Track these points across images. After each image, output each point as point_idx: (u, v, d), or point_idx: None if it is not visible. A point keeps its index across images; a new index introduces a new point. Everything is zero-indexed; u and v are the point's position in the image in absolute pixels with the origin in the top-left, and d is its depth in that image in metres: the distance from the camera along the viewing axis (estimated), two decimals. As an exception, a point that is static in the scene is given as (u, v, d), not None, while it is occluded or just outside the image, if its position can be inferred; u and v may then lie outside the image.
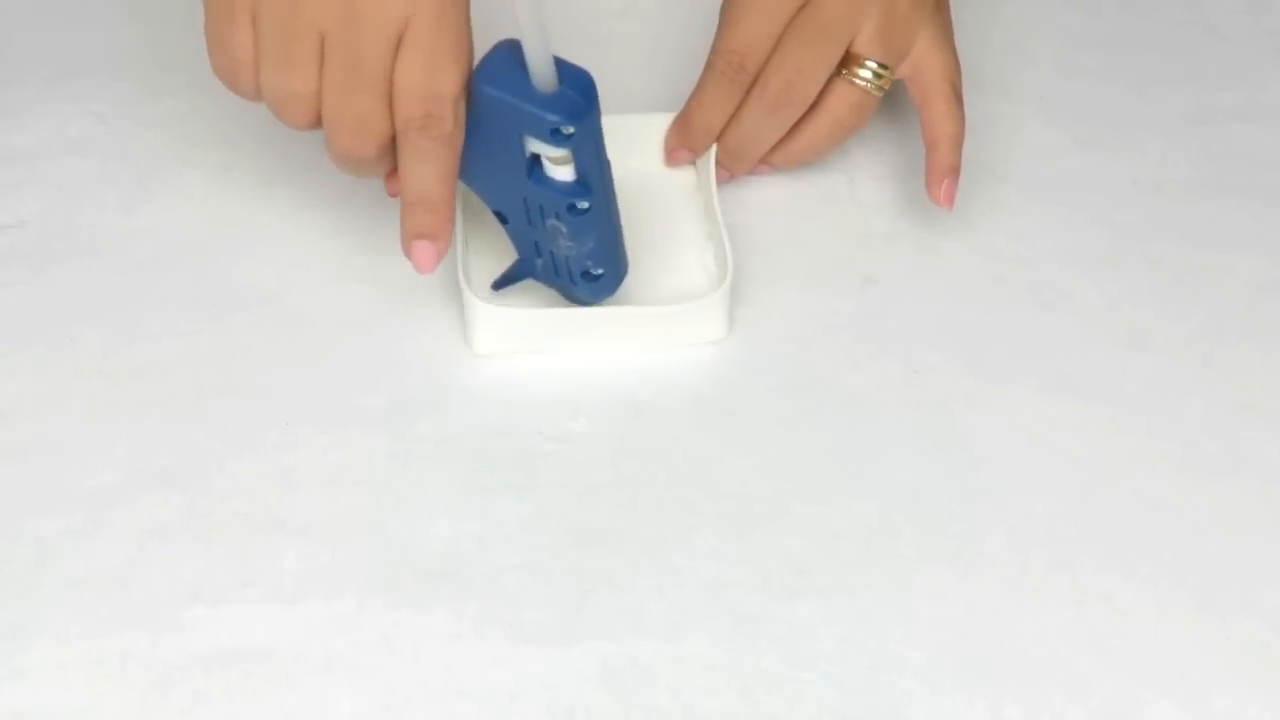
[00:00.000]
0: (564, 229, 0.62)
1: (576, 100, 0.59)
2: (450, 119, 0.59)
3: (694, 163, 0.72)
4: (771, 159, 0.72)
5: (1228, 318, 0.69)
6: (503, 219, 0.64)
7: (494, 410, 0.64)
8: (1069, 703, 0.56)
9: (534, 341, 0.66)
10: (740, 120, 0.70)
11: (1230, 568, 0.60)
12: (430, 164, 0.59)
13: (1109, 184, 0.75)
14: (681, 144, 0.71)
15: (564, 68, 0.59)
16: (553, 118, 0.58)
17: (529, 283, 0.66)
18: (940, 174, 0.69)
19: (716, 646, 0.57)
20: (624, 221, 0.68)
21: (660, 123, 0.72)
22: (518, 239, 0.64)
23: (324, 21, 0.57)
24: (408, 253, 0.61)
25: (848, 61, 0.69)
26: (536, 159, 0.61)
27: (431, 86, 0.58)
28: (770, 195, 0.73)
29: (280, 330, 0.67)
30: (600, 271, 0.64)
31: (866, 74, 0.69)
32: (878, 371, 0.67)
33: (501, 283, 0.66)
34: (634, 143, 0.71)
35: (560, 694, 0.56)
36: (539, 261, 0.65)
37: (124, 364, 0.65)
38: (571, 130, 0.59)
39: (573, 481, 0.62)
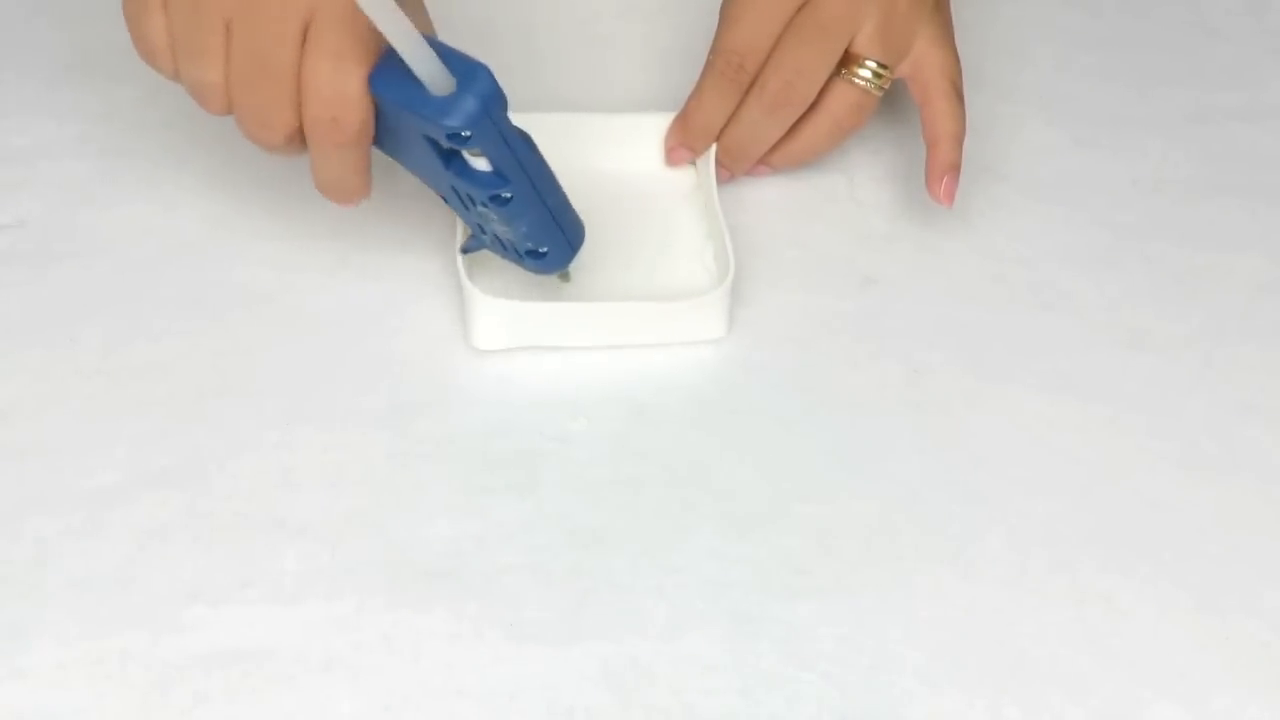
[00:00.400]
0: (494, 216, 0.62)
1: (469, 102, 0.56)
2: (356, 122, 0.58)
3: (694, 162, 0.72)
4: (771, 159, 0.72)
5: (1228, 318, 0.69)
6: (443, 198, 0.64)
7: (494, 410, 0.64)
8: (1069, 703, 0.56)
9: (534, 336, 0.66)
10: (740, 120, 0.70)
11: (1230, 568, 0.60)
12: (337, 163, 0.60)
13: (1109, 184, 0.75)
14: (681, 143, 0.71)
15: (457, 64, 0.56)
16: (448, 123, 0.57)
17: (527, 277, 0.66)
18: (940, 171, 0.69)
19: (716, 646, 0.57)
20: (624, 221, 0.68)
21: (660, 123, 0.72)
22: (462, 218, 0.64)
23: (228, 10, 0.57)
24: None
25: (847, 61, 0.69)
26: (454, 153, 0.60)
27: (337, 86, 0.57)
28: (770, 195, 0.73)
29: (280, 330, 0.67)
30: (544, 249, 0.64)
31: (866, 73, 0.69)
32: (878, 371, 0.67)
33: (466, 249, 0.66)
34: (634, 143, 0.71)
35: (560, 694, 0.56)
36: (486, 238, 0.64)
37: (124, 364, 0.65)
38: (469, 134, 0.57)
39: (573, 481, 0.62)
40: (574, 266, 0.66)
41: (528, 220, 0.62)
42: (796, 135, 0.71)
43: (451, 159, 0.60)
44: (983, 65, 0.78)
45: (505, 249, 0.65)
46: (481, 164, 0.60)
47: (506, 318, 0.65)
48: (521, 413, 0.64)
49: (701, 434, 0.64)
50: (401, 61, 0.56)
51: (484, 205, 0.61)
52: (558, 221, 0.63)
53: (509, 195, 0.61)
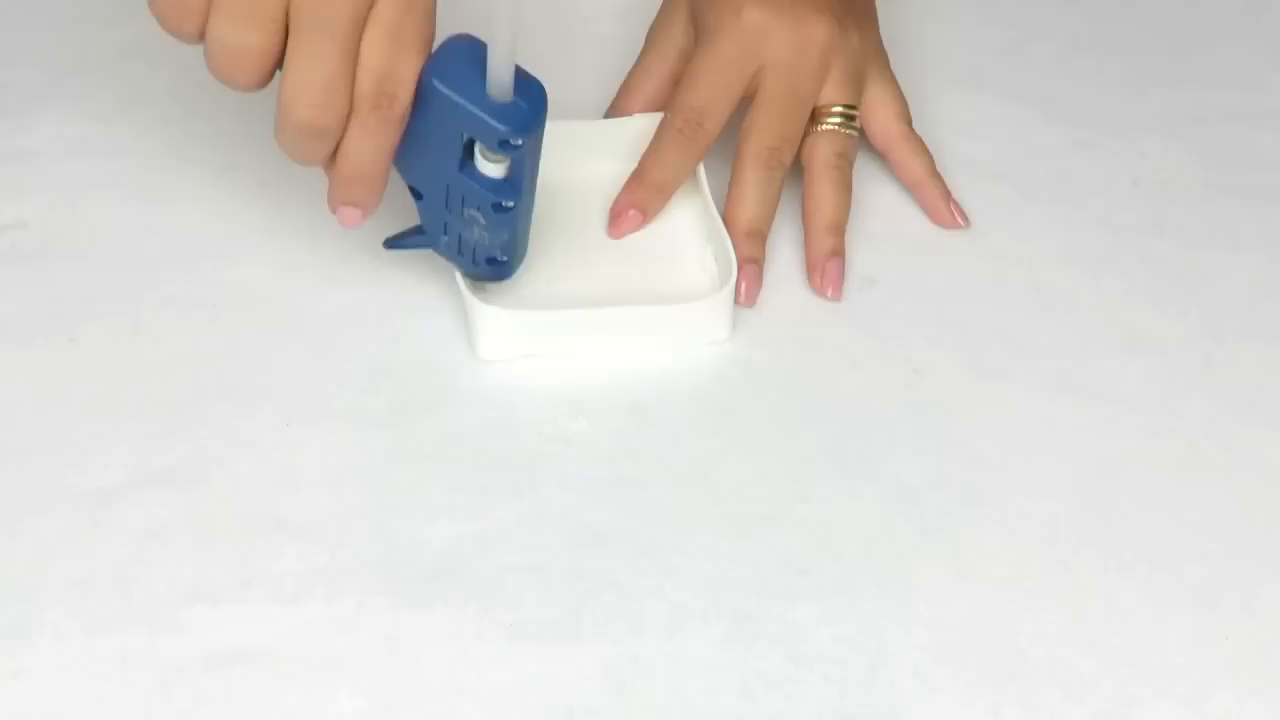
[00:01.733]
0: (482, 220, 0.62)
1: (528, 114, 0.59)
2: (403, 102, 0.58)
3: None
4: (819, 246, 0.70)
5: (1228, 318, 0.69)
6: (416, 194, 0.63)
7: (494, 410, 0.64)
8: (1069, 703, 0.56)
9: (538, 343, 0.66)
10: (746, 193, 0.69)
11: (1230, 568, 0.60)
12: (374, 142, 0.59)
13: (1109, 184, 0.75)
14: (632, 203, 0.69)
15: (519, 78, 0.58)
16: (504, 129, 0.58)
17: (528, 285, 0.66)
18: (941, 199, 0.72)
19: (716, 646, 0.57)
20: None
21: (659, 121, 0.71)
22: (427, 216, 0.64)
23: None
24: (334, 212, 0.62)
25: (815, 115, 0.70)
26: (469, 153, 0.61)
27: (393, 66, 0.57)
28: (770, 195, 0.73)
29: (280, 330, 0.67)
30: (505, 259, 0.65)
31: (836, 120, 0.70)
32: (878, 371, 0.67)
33: (394, 243, 0.66)
34: (634, 144, 0.71)
35: (560, 694, 0.56)
36: (444, 240, 0.64)
37: (124, 364, 0.65)
38: (520, 143, 0.59)
39: (573, 481, 0.62)
40: (573, 271, 0.67)
41: (511, 229, 0.63)
42: (819, 205, 0.70)
43: (465, 162, 0.61)
44: (983, 65, 0.79)
45: (460, 252, 0.64)
46: (495, 171, 0.61)
47: (510, 327, 0.65)
48: (521, 413, 0.64)
49: (701, 434, 0.64)
50: (460, 58, 0.58)
51: (477, 209, 0.62)
52: (526, 234, 0.65)
53: (510, 205, 0.61)
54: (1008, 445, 0.64)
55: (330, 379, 0.65)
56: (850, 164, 0.71)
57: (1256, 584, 0.60)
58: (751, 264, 0.68)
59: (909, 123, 0.73)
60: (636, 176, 0.70)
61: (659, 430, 0.64)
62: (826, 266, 0.69)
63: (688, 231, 0.70)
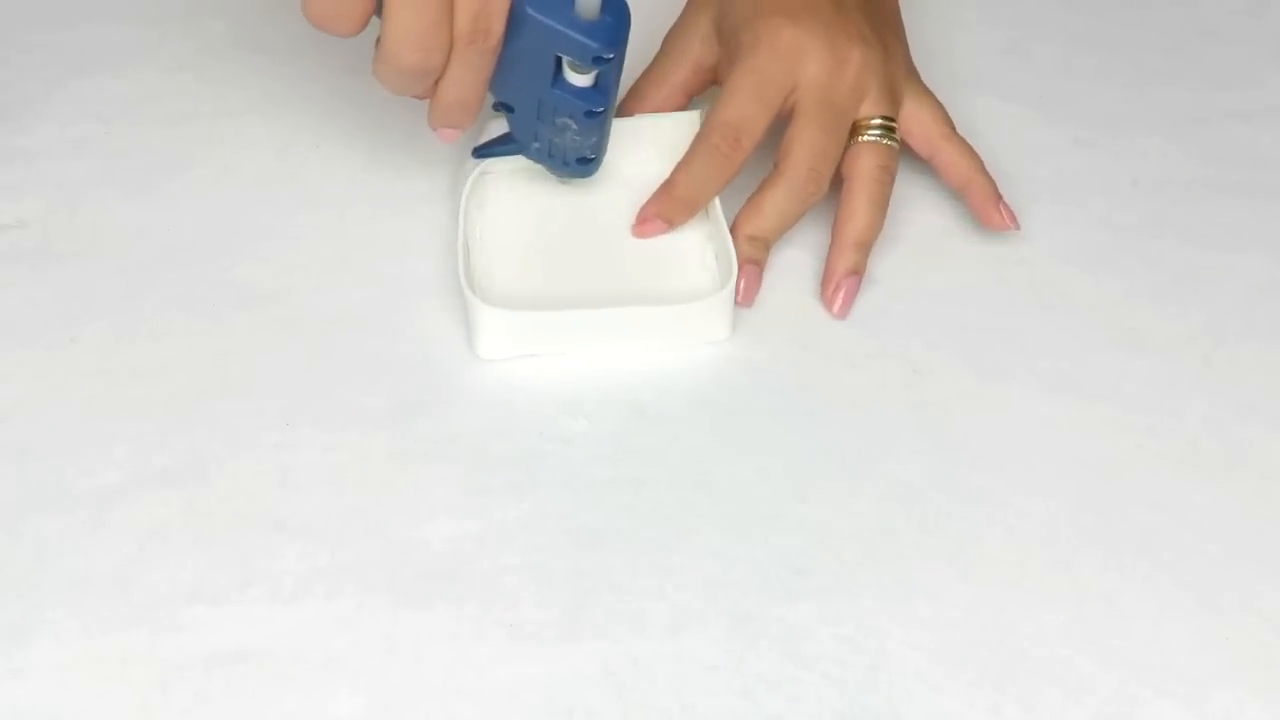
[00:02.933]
0: (574, 126, 0.65)
1: (615, 28, 0.62)
2: (497, 34, 0.61)
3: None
4: (842, 260, 0.69)
5: (1228, 318, 0.69)
6: (508, 108, 0.66)
7: (494, 410, 0.64)
8: (1069, 703, 0.56)
9: (538, 343, 0.66)
10: (765, 206, 0.69)
11: (1230, 568, 0.60)
12: (473, 74, 0.62)
13: (1109, 184, 0.75)
14: (659, 214, 0.69)
15: None
16: (596, 45, 0.61)
17: (528, 289, 0.67)
18: (991, 199, 0.71)
19: (716, 646, 0.57)
20: (625, 224, 0.69)
21: (663, 123, 0.71)
22: (519, 127, 0.67)
23: None
24: (435, 131, 0.65)
25: (855, 129, 0.70)
26: (559, 66, 0.64)
27: (486, 1, 0.60)
28: (770, 195, 0.73)
29: (280, 330, 0.67)
30: (594, 156, 0.68)
31: (876, 131, 0.70)
32: (878, 371, 0.67)
33: (484, 152, 0.69)
34: (633, 146, 0.71)
35: (560, 694, 0.56)
36: (535, 146, 0.68)
37: (124, 364, 0.65)
38: (610, 56, 0.62)
39: (573, 481, 0.62)
40: (573, 271, 0.68)
41: (601, 131, 0.67)
42: (850, 218, 0.69)
43: (557, 76, 0.64)
44: (983, 65, 0.79)
45: (551, 156, 0.68)
46: (585, 81, 0.64)
47: (511, 327, 0.65)
48: (521, 413, 0.64)
49: (701, 434, 0.64)
50: None
51: (569, 118, 0.65)
52: (609, 130, 0.68)
53: (600, 110, 0.65)
54: (1008, 445, 0.64)
55: (330, 379, 0.65)
56: (891, 179, 0.70)
57: (1256, 584, 0.60)
58: (752, 264, 0.68)
59: (951, 127, 0.72)
60: (667, 187, 0.69)
61: (659, 430, 0.64)
62: (843, 283, 0.69)
63: (689, 231, 0.70)
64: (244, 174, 0.72)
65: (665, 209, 0.69)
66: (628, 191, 0.71)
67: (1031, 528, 0.61)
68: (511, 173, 0.70)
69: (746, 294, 0.68)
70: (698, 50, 0.72)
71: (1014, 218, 0.71)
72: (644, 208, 0.69)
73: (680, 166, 0.69)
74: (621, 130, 0.71)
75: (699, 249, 0.70)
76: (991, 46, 0.80)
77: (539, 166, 0.69)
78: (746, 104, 0.68)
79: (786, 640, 0.58)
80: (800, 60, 0.69)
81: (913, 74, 0.72)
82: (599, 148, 0.68)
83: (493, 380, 0.65)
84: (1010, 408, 0.65)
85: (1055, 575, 0.60)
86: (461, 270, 0.65)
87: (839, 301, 0.68)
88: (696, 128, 0.70)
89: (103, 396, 0.64)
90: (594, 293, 0.67)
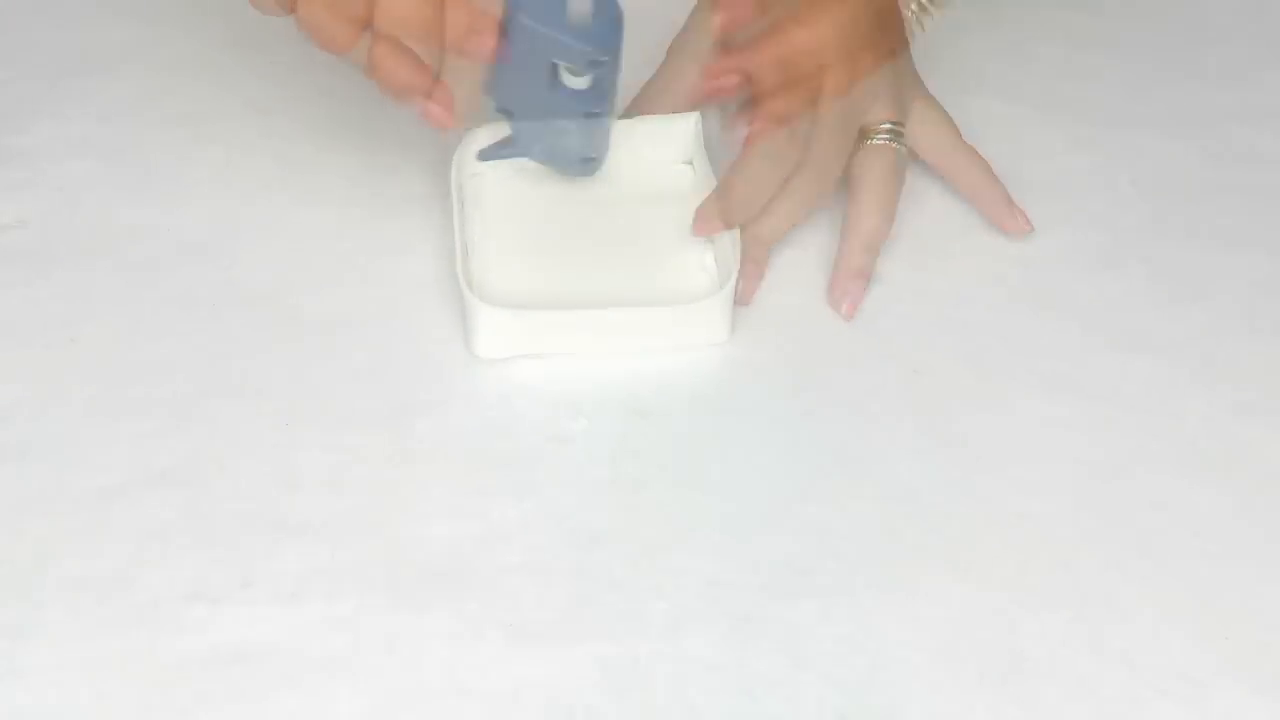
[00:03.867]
0: (574, 127, 0.66)
1: (608, 30, 0.62)
2: (491, 44, 0.61)
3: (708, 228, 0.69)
4: (851, 262, 0.69)
5: (1228, 318, 0.69)
6: (507, 113, 0.67)
7: (494, 410, 0.64)
8: (1069, 703, 0.56)
9: (536, 343, 0.66)
10: (771, 206, 0.69)
11: (1230, 568, 0.60)
12: (466, 81, 0.63)
13: (1109, 184, 0.75)
14: (720, 215, 0.68)
15: None
16: (591, 50, 0.62)
17: (528, 289, 0.67)
18: (1004, 205, 0.71)
19: (716, 646, 0.57)
20: (624, 224, 0.69)
21: (661, 124, 0.71)
22: (519, 131, 0.67)
23: None
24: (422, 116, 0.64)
25: (863, 133, 0.70)
26: (556, 71, 0.64)
27: (480, 5, 0.61)
28: (770, 195, 0.73)
29: (280, 331, 0.67)
30: (596, 155, 0.69)
31: (885, 135, 0.70)
32: (878, 371, 0.67)
33: (488, 155, 0.69)
34: (633, 146, 0.71)
35: (560, 694, 0.56)
36: (537, 148, 0.68)
37: (124, 364, 0.65)
38: (605, 59, 0.62)
39: (573, 481, 0.62)
40: (573, 271, 0.68)
41: (603, 130, 0.67)
42: (861, 217, 0.69)
43: (553, 81, 0.64)
44: (983, 65, 0.79)
45: (553, 157, 0.68)
46: (582, 84, 0.64)
47: (510, 327, 0.65)
48: (521, 413, 0.64)
49: (701, 434, 0.64)
50: None
51: (569, 120, 0.66)
52: (611, 127, 0.69)
53: (600, 111, 0.66)
54: (1008, 445, 0.64)
55: (330, 379, 0.65)
56: (900, 182, 0.70)
57: (1256, 584, 0.60)
58: (752, 264, 0.68)
59: (959, 134, 0.72)
60: (726, 189, 0.68)
61: (659, 430, 0.64)
62: (850, 285, 0.68)
63: (688, 232, 0.70)
64: (244, 174, 0.72)
65: (726, 212, 0.68)
66: (628, 191, 0.71)
67: (1031, 528, 0.61)
68: (511, 173, 0.70)
69: (746, 293, 0.68)
70: (706, 58, 0.72)
71: (1027, 219, 0.71)
72: (703, 207, 0.68)
73: (736, 169, 0.68)
74: (622, 130, 0.71)
75: (698, 250, 0.70)
76: (991, 46, 0.80)
77: (539, 165, 0.69)
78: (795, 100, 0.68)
79: (786, 640, 0.58)
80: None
81: (918, 82, 0.72)
82: (601, 147, 0.69)
83: (493, 380, 0.65)
84: (1010, 408, 0.65)
85: (1055, 575, 0.60)
86: (460, 270, 0.65)
87: (847, 303, 0.68)
88: (697, 128, 0.71)
89: (103, 396, 0.64)
90: (594, 293, 0.67)
